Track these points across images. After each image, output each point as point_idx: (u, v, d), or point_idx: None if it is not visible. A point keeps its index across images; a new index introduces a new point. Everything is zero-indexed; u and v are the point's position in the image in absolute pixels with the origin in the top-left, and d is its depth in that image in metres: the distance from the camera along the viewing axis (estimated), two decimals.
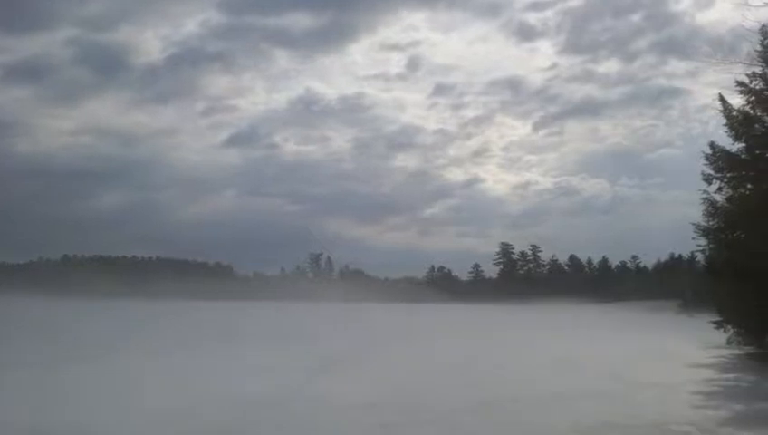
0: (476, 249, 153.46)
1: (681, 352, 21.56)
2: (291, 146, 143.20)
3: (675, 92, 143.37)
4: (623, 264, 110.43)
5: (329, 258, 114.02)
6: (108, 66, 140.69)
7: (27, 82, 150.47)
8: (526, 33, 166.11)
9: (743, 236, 20.40)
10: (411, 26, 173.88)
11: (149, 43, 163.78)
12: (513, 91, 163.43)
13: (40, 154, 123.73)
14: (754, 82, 19.55)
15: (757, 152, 20.33)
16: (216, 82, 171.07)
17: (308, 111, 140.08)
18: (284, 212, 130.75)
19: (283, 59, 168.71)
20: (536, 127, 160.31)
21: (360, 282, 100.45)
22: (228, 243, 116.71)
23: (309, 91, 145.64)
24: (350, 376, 15.18)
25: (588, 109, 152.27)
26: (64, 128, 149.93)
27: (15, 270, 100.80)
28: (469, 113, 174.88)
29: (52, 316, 41.67)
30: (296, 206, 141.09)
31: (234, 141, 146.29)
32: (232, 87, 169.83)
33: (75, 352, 19.64)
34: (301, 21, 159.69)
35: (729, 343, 23.17)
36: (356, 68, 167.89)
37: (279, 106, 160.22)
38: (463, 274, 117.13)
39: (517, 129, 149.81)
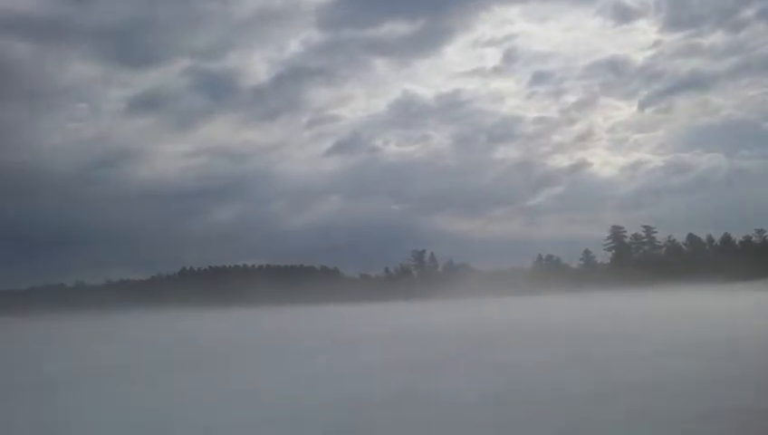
0: (586, 235, 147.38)
1: None
2: (392, 148, 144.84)
3: None
4: (748, 239, 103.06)
5: (432, 255, 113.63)
6: (219, 91, 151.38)
7: (148, 112, 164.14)
8: (624, 15, 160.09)
9: None
10: (506, 20, 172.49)
11: (256, 65, 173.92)
12: (614, 73, 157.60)
13: (157, 177, 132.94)
14: None
15: None
16: (319, 95, 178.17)
17: (407, 112, 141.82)
18: (388, 212, 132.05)
19: (381, 66, 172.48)
20: (642, 106, 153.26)
21: (465, 276, 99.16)
22: (335, 246, 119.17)
23: (406, 94, 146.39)
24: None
25: (696, 83, 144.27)
26: (181, 151, 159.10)
27: (137, 286, 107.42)
28: (570, 99, 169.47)
29: (176, 328, 43.63)
30: (399, 205, 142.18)
31: (337, 149, 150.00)
32: (334, 98, 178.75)
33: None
34: (397, 29, 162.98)
35: None
36: (452, 66, 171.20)
37: (379, 111, 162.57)
38: (573, 261, 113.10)
39: (622, 109, 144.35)
